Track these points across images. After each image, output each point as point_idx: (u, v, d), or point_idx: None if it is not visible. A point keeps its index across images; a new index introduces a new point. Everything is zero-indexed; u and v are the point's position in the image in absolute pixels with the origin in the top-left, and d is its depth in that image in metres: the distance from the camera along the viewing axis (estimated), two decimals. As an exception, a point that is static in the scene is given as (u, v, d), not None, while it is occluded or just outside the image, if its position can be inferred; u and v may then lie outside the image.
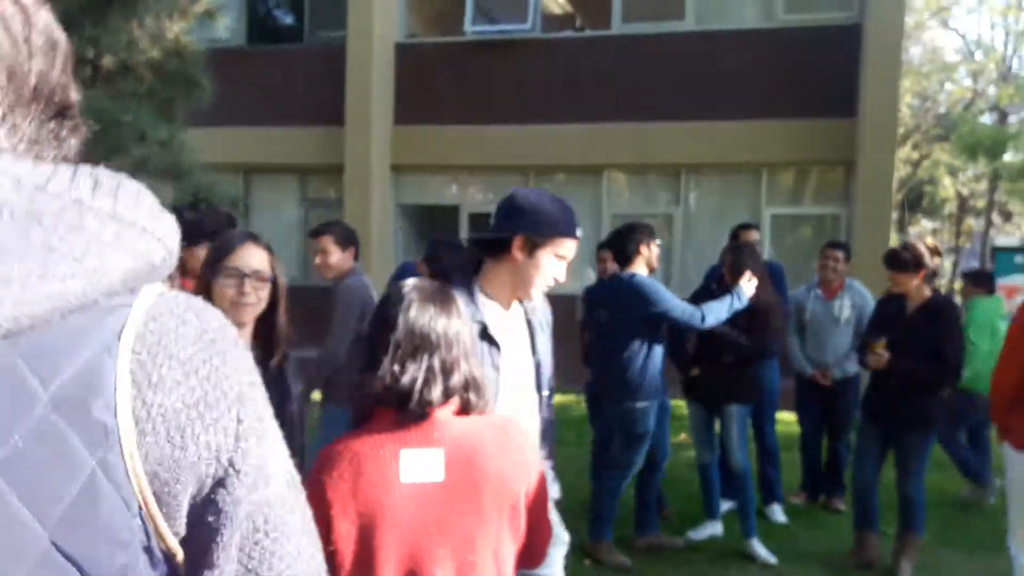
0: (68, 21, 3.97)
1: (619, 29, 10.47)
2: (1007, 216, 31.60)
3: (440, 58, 10.98)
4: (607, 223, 10.61)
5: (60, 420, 0.61)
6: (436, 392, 1.56)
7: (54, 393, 0.61)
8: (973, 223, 32.60)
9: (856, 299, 5.41)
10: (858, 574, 4.42)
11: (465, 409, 1.61)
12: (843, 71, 9.44)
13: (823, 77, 9.53)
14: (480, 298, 2.24)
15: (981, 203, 28.29)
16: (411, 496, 1.54)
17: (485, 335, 2.19)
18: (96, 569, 0.63)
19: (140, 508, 0.65)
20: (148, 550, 0.66)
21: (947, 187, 29.68)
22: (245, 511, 0.71)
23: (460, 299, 2.09)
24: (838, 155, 9.59)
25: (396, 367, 1.55)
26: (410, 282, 1.67)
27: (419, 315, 1.59)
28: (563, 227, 2.23)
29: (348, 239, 4.16)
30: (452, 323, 1.62)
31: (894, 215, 27.59)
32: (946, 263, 34.05)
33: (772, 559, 4.52)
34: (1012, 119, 24.07)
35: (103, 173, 0.69)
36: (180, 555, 0.70)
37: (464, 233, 10.91)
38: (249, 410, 0.72)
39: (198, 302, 0.73)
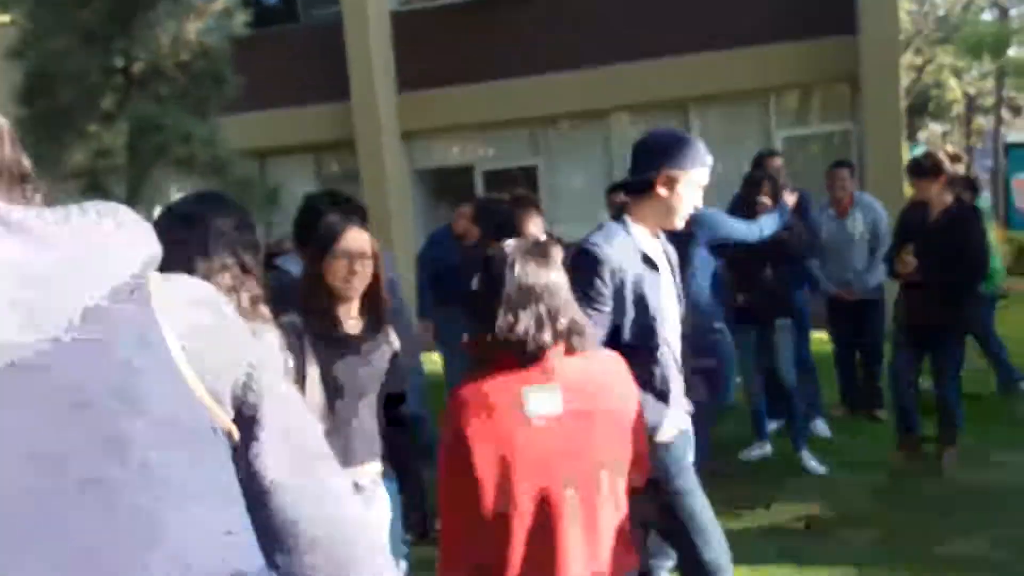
0: (96, 34, 4.17)
1: (611, -30, 10.48)
2: (1016, 111, 31.23)
3: (435, 21, 11.03)
4: (618, 164, 10.75)
5: (143, 354, 0.89)
6: (547, 335, 1.79)
7: (138, 336, 0.89)
8: (983, 121, 32.28)
9: (867, 213, 5.56)
10: (904, 471, 4.67)
11: (571, 350, 1.83)
12: (839, -13, 9.46)
13: (819, -4, 9.54)
14: (635, 230, 2.51)
15: (989, 101, 27.97)
16: (537, 428, 1.77)
17: (647, 260, 2.48)
18: (193, 428, 0.92)
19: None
20: (213, 429, 0.95)
21: (953, 88, 29.36)
22: (268, 388, 1.04)
23: (619, 233, 2.32)
24: (842, 72, 9.63)
25: (510, 317, 1.78)
26: (510, 243, 1.88)
27: (523, 270, 1.81)
28: (696, 158, 2.50)
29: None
30: (552, 274, 1.84)
31: (902, 109, 27.36)
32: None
33: (822, 469, 4.77)
34: (1013, 13, 23.70)
35: (95, 203, 0.95)
36: (235, 433, 1.01)
37: (480, 191, 11.08)
38: (247, 334, 1.06)
39: (186, 277, 1.05)
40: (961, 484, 4.48)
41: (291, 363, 2.26)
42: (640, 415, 1.95)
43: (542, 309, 1.79)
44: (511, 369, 1.79)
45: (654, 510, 2.41)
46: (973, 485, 4.45)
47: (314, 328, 2.33)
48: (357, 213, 2.68)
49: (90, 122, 5.49)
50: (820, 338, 6.52)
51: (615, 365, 1.93)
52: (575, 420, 1.79)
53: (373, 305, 2.46)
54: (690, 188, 2.50)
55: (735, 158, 10.30)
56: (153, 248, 0.96)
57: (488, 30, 10.74)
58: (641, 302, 2.45)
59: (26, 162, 0.99)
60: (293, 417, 1.08)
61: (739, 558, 2.73)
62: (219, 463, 0.94)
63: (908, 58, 24.99)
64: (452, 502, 1.82)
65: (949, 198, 4.47)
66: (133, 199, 5.25)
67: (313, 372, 2.30)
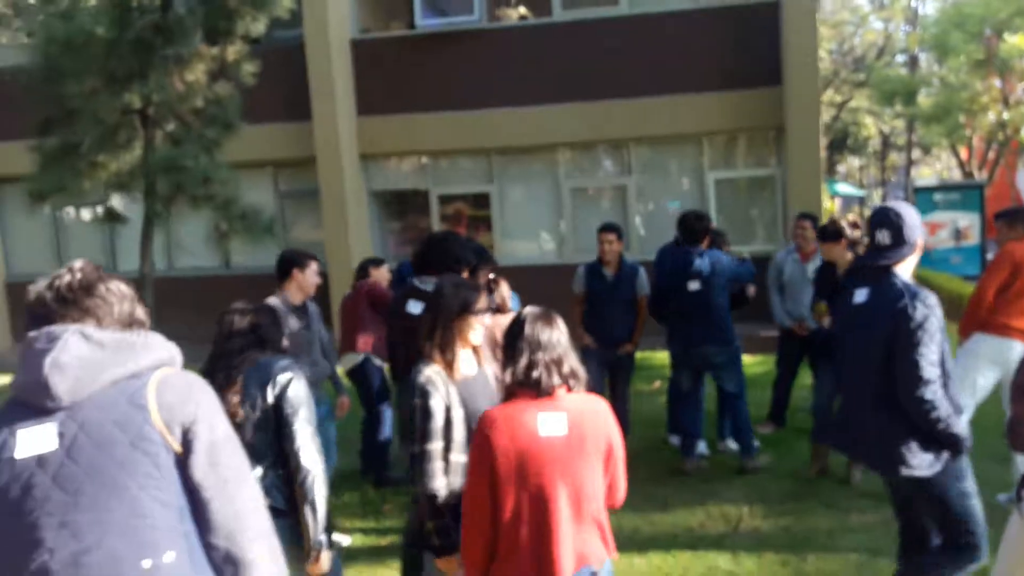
0: (117, 78, 4.76)
1: (560, 16, 11.28)
2: (927, 150, 33.35)
3: (394, 51, 11.60)
4: (566, 196, 11.54)
5: (131, 408, 1.70)
6: (556, 378, 2.46)
7: (129, 399, 1.69)
8: (897, 157, 34.37)
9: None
10: (818, 482, 5.44)
11: (570, 388, 2.50)
12: (766, 45, 10.45)
13: (749, 51, 10.52)
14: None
15: (902, 140, 29.94)
16: (546, 444, 2.42)
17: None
18: (151, 453, 1.65)
19: (160, 434, 1.65)
20: (165, 447, 1.66)
21: (869, 126, 31.29)
22: (205, 438, 1.69)
23: (913, 288, 3.06)
24: (769, 121, 10.63)
25: (527, 364, 2.46)
26: (527, 310, 2.58)
27: (534, 329, 2.51)
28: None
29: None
30: (554, 333, 2.52)
31: (822, 155, 28.97)
32: (874, 195, 35.83)
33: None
34: (922, 58, 25.47)
35: (141, 333, 1.78)
36: (180, 449, 1.67)
37: (435, 214, 11.72)
38: (204, 403, 1.74)
39: (180, 372, 1.77)
40: (863, 489, 5.24)
41: (440, 408, 2.82)
42: (619, 448, 2.60)
43: (549, 358, 2.48)
44: (529, 400, 2.46)
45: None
46: (873, 490, 5.14)
47: (448, 374, 2.90)
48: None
49: (103, 154, 5.96)
50: (748, 361, 7.28)
51: (603, 405, 2.60)
52: (573, 440, 2.45)
53: (476, 346, 3.06)
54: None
55: (670, 195, 11.26)
56: (163, 355, 1.77)
57: (445, 62, 11.39)
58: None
59: (139, 314, 1.85)
60: (217, 461, 1.71)
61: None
62: (162, 463, 1.68)
63: (828, 95, 26.62)
64: (475, 489, 2.46)
65: (850, 256, 5.33)
66: (147, 227, 5.73)
67: (458, 413, 2.86)
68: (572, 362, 2.53)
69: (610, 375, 6.04)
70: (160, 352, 1.76)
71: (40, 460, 1.62)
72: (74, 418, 1.63)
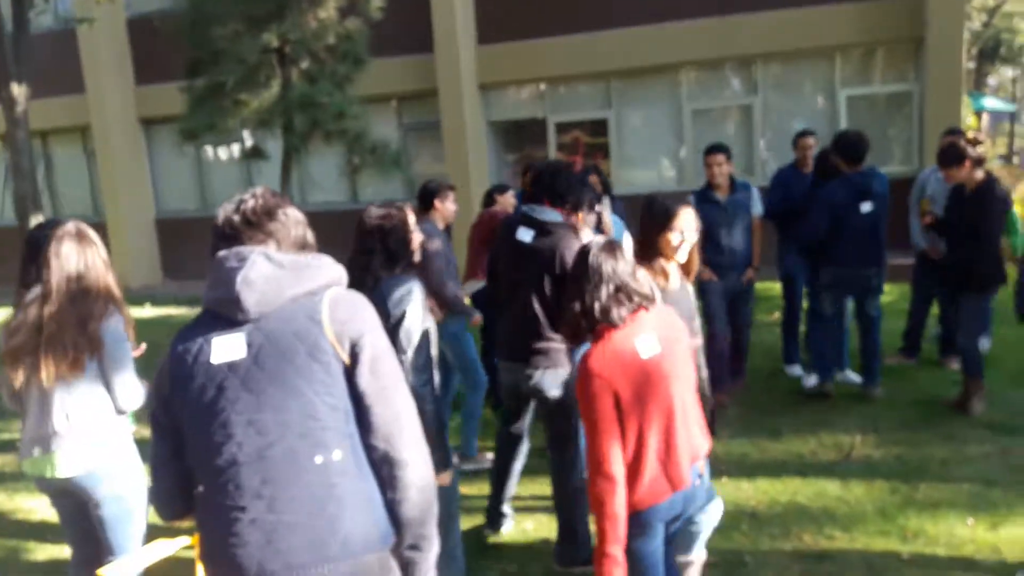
0: (258, 20, 5.08)
1: (686, -71, 10.88)
2: (1091, 56, 30.44)
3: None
4: (687, 119, 11.33)
5: (309, 322, 1.84)
6: (624, 309, 2.56)
7: (307, 314, 1.85)
8: (1056, 65, 31.44)
9: None
10: (934, 412, 5.32)
11: (647, 308, 2.61)
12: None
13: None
14: None
15: (1062, 46, 27.36)
16: (652, 365, 2.55)
17: None
18: (324, 363, 1.83)
19: (331, 345, 1.83)
20: (336, 358, 1.83)
21: (1025, 33, 28.73)
22: (369, 351, 1.86)
23: None
24: (906, 32, 10.02)
25: (592, 294, 2.56)
26: (591, 241, 2.66)
27: (597, 260, 2.59)
28: None
29: None
30: (619, 263, 2.60)
31: (971, 65, 26.77)
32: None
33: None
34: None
35: (313, 255, 1.97)
36: (348, 360, 1.85)
37: (552, 143, 11.75)
38: (369, 320, 1.91)
39: (348, 291, 1.95)
40: (981, 420, 5.12)
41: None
42: (693, 346, 2.75)
43: (615, 286, 2.56)
44: (615, 329, 2.55)
45: None
46: (992, 420, 5.11)
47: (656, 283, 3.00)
48: None
49: (245, 93, 6.37)
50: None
51: (672, 313, 2.73)
52: (669, 352, 2.60)
53: (688, 263, 3.26)
54: None
55: (799, 114, 10.85)
56: (333, 276, 1.94)
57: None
58: None
59: (310, 238, 2.03)
60: (377, 370, 1.88)
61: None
62: (333, 371, 1.84)
63: (979, 1, 24.55)
64: (603, 430, 2.51)
65: (980, 175, 5.08)
66: (287, 162, 6.09)
67: None
68: (641, 287, 2.62)
69: (729, 305, 5.80)
70: (331, 273, 1.93)
71: (231, 365, 1.82)
72: (260, 329, 1.83)
